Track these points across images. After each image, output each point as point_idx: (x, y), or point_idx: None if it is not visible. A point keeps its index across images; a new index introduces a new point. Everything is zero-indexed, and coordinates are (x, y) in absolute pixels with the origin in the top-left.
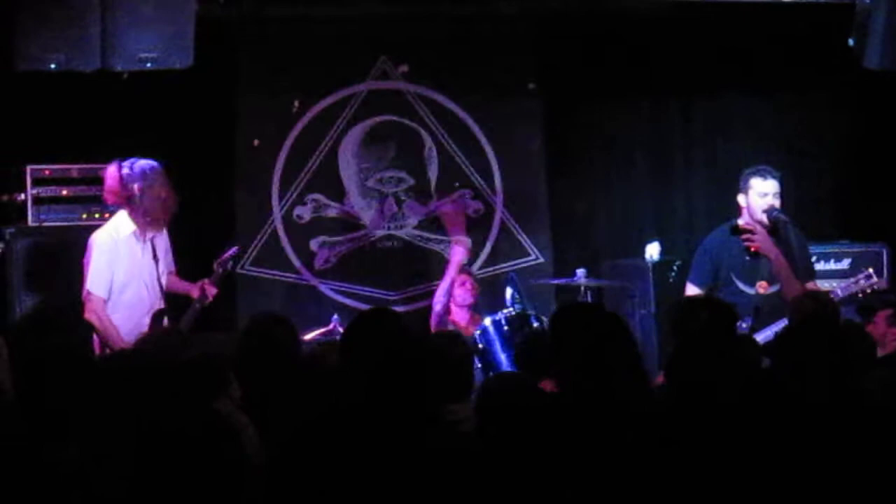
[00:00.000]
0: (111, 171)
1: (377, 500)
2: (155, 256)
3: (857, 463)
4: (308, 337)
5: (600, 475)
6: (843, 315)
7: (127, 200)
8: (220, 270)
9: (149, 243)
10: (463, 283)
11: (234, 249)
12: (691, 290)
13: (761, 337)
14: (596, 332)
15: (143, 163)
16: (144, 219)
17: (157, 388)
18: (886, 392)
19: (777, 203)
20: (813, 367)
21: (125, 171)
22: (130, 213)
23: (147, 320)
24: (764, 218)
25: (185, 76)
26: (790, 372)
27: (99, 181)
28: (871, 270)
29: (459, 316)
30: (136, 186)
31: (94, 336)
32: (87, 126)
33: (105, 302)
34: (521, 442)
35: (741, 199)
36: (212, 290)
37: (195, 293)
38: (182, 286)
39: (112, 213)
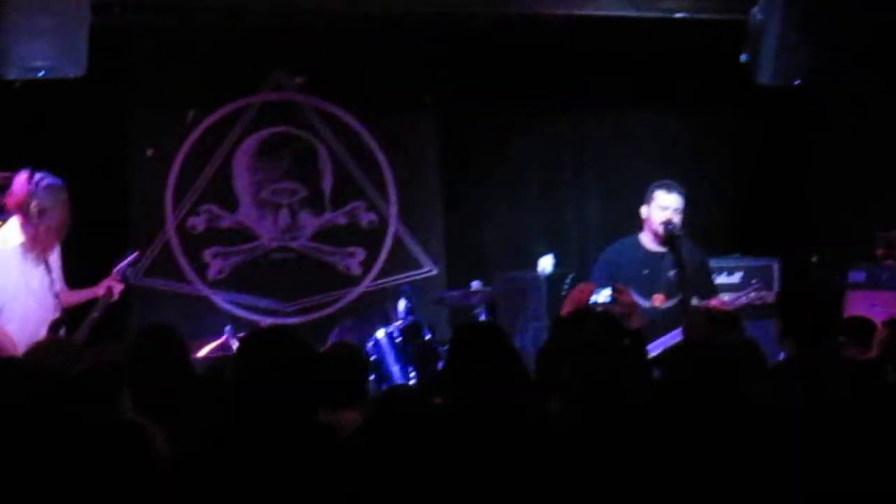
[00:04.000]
0: (20, 180)
1: None
2: (47, 266)
3: (740, 467)
4: (202, 353)
5: (495, 484)
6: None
7: (25, 213)
8: (119, 277)
9: (39, 253)
10: None
11: (133, 255)
12: None
13: (653, 349)
14: (495, 350)
15: (50, 181)
16: (35, 237)
17: (46, 397)
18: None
19: (676, 218)
20: (698, 384)
21: (32, 184)
22: (22, 225)
23: (43, 331)
24: (660, 230)
25: (78, 85)
26: (676, 386)
27: None
28: (756, 282)
29: None
30: (35, 203)
31: None
32: None
33: None
34: (411, 450)
35: (644, 210)
36: (117, 287)
37: (100, 292)
38: (83, 294)
39: (5, 221)
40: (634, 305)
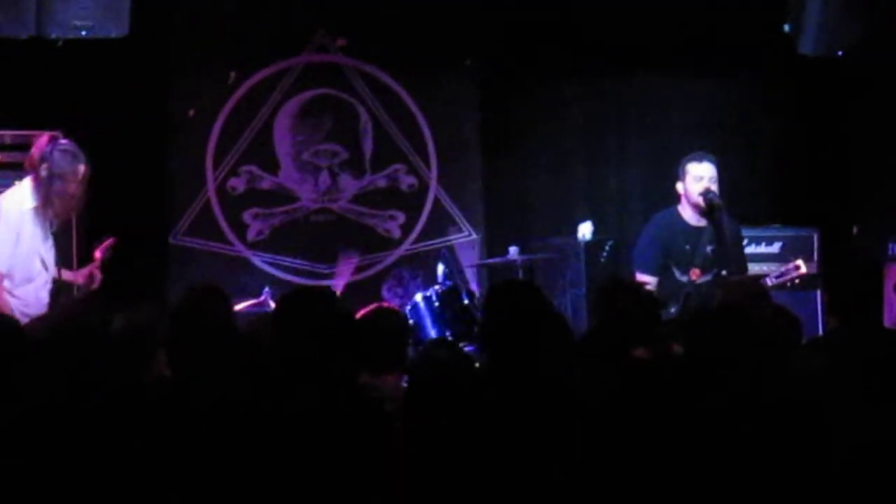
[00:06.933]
0: (40, 142)
1: (299, 476)
2: (53, 231)
3: (758, 454)
4: (239, 307)
5: (527, 451)
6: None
7: (36, 174)
8: (102, 257)
9: (48, 219)
10: None
11: (109, 241)
12: (642, 279)
13: None
14: (528, 310)
15: (67, 151)
16: (45, 202)
17: (79, 359)
18: (808, 380)
19: (714, 187)
20: (724, 356)
21: (47, 148)
22: (34, 188)
23: (44, 294)
24: (700, 201)
25: (120, 45)
26: (700, 359)
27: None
28: (799, 261)
29: None
30: (45, 166)
31: None
32: (20, 93)
33: (2, 277)
34: (447, 418)
35: (679, 186)
36: (98, 276)
37: (81, 280)
38: (70, 276)
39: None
40: None
